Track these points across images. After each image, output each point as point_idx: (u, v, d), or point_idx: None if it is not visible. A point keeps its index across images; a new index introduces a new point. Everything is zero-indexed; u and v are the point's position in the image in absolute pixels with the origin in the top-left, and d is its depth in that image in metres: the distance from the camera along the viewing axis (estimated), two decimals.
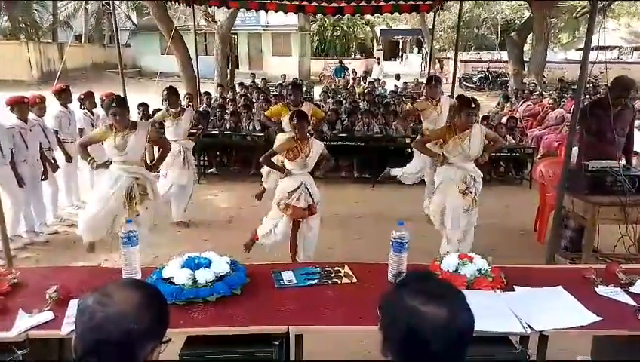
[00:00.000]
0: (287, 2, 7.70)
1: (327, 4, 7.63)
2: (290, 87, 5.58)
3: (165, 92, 5.38)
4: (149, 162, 4.49)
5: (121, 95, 5.47)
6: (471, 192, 4.04)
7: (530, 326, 1.97)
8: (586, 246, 3.93)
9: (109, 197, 4.00)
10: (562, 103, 10.25)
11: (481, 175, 4.16)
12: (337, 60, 23.89)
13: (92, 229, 4.12)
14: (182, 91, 9.52)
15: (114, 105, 3.88)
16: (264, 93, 10.57)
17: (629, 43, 28.80)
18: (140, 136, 3.95)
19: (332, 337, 2.72)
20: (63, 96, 5.69)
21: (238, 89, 12.01)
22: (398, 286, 1.15)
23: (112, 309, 1.08)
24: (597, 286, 2.30)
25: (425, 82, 6.61)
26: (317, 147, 4.00)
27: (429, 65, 10.23)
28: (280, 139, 4.78)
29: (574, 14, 22.24)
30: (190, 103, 8.94)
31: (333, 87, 15.68)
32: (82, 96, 6.10)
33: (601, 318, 2.03)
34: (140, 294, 1.13)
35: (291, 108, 5.10)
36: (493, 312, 2.03)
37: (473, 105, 3.97)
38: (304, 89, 14.19)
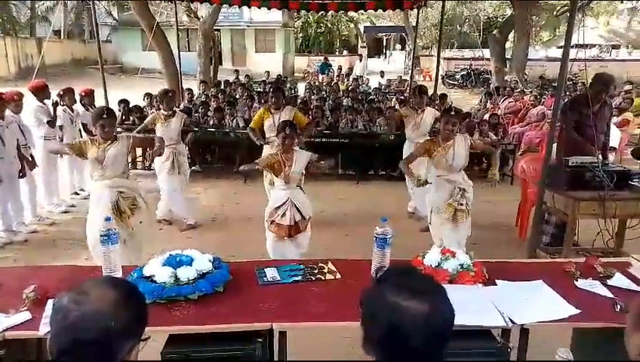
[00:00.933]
0: None
1: (311, 1, 7.62)
2: (270, 90, 5.49)
3: (162, 94, 5.25)
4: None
5: (103, 92, 5.40)
6: (461, 204, 3.93)
7: (511, 320, 1.99)
8: (566, 241, 3.98)
9: (98, 218, 3.70)
10: (543, 100, 10.40)
11: (471, 184, 4.01)
12: (322, 57, 23.74)
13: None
14: (164, 87, 9.45)
15: (104, 116, 3.60)
16: (247, 90, 10.52)
17: (607, 41, 29.40)
18: (120, 148, 3.69)
19: (316, 333, 2.71)
20: (41, 93, 5.56)
21: (223, 86, 11.94)
22: (379, 282, 1.14)
23: (88, 307, 1.05)
24: (576, 280, 2.34)
25: (412, 92, 6.64)
26: (301, 160, 3.71)
27: (412, 62, 10.30)
28: (266, 151, 4.70)
29: (555, 12, 22.58)
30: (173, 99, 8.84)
31: (317, 83, 15.65)
32: (61, 93, 5.98)
33: (580, 311, 2.07)
34: (117, 291, 1.11)
35: (272, 112, 5.11)
36: (476, 306, 2.05)
37: (452, 113, 3.93)
38: (288, 86, 14.22)
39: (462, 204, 3.93)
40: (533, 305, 2.10)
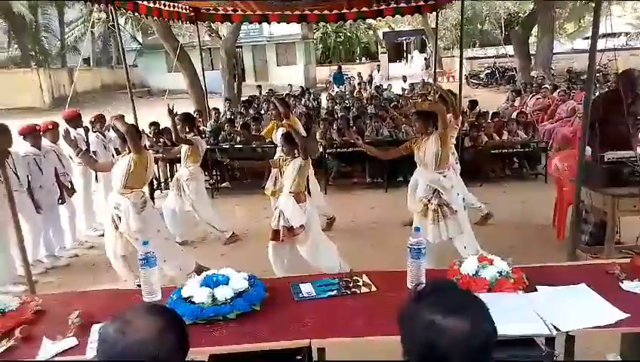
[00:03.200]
0: (289, 13, 7.73)
1: (328, 12, 7.66)
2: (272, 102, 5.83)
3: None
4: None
5: (133, 115, 5.58)
6: (432, 203, 3.90)
7: (555, 327, 1.93)
8: (608, 240, 3.85)
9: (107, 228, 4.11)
10: (572, 95, 10.13)
11: (450, 185, 3.92)
12: (336, 67, 22.94)
13: (124, 276, 4.16)
14: (191, 108, 9.66)
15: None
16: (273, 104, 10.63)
17: (636, 28, 28.43)
18: (121, 163, 3.90)
19: (354, 348, 2.70)
20: (74, 121, 5.77)
21: (250, 102, 12.24)
22: (416, 299, 1.13)
23: (133, 337, 1.08)
24: (621, 282, 2.25)
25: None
26: (291, 168, 3.92)
27: (435, 64, 10.22)
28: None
29: (578, 3, 22.03)
30: (200, 119, 9.05)
31: (340, 93, 15.58)
32: (93, 119, 6.20)
33: (628, 315, 1.98)
34: (159, 320, 1.14)
35: (278, 125, 5.40)
36: (517, 315, 1.99)
37: (416, 115, 4.09)
38: (311, 97, 14.30)
39: (432, 203, 3.91)
40: (578, 310, 2.03)
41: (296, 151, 3.95)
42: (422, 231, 3.83)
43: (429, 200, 3.94)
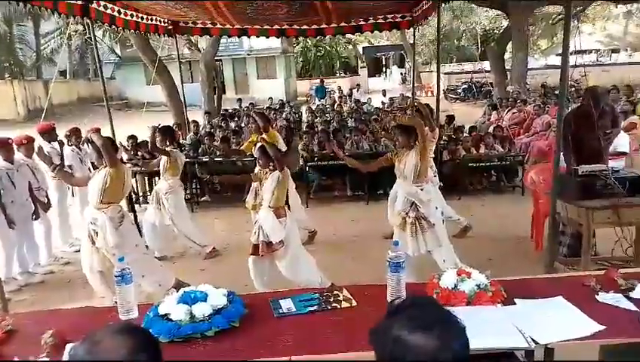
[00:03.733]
0: (268, 27, 7.77)
1: (307, 27, 7.73)
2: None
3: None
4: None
5: (110, 128, 5.50)
6: (409, 216, 3.93)
7: (534, 340, 1.95)
8: (584, 252, 3.92)
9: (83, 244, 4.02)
10: (547, 109, 10.38)
11: (427, 198, 3.94)
12: (319, 80, 23.21)
13: (101, 292, 4.06)
14: (170, 121, 9.57)
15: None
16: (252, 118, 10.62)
17: (605, 46, 29.50)
18: (97, 177, 3.84)
19: None
20: (47, 135, 5.65)
21: (230, 115, 12.18)
22: (389, 315, 1.12)
23: (102, 358, 1.05)
24: (597, 294, 2.28)
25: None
26: (270, 181, 3.92)
27: (414, 79, 10.38)
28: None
29: (551, 21, 22.75)
30: (179, 132, 8.98)
31: (321, 106, 15.68)
32: (68, 133, 6.09)
33: (604, 327, 2.01)
34: (131, 340, 1.10)
35: (258, 139, 5.37)
36: (496, 328, 2.00)
37: (398, 130, 4.12)
38: (292, 110, 14.35)
39: (410, 216, 3.94)
40: (556, 323, 2.05)
41: (271, 164, 3.94)
42: (401, 244, 3.87)
43: (407, 214, 3.97)
